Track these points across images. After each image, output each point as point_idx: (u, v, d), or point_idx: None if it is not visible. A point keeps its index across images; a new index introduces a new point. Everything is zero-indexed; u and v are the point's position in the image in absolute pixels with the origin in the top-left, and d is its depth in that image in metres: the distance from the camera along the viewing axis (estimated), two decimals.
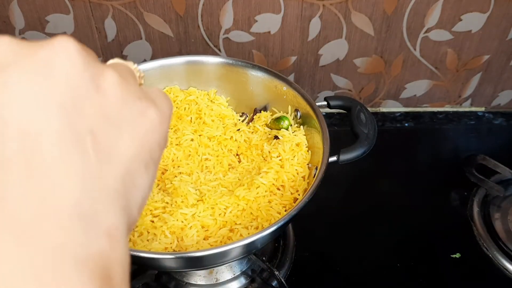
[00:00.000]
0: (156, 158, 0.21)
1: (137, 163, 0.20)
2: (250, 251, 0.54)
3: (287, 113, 0.67)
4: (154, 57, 0.81)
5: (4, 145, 0.17)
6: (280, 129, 0.66)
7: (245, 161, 0.65)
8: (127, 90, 0.20)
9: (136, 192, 0.20)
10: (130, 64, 0.23)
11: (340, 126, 0.88)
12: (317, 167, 0.58)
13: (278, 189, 0.60)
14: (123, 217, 0.19)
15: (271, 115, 0.69)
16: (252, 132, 0.68)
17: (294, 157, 0.62)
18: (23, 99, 0.17)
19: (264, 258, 0.63)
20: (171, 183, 0.60)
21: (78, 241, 0.17)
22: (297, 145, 0.64)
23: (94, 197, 0.18)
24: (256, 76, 0.68)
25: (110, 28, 0.76)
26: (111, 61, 0.23)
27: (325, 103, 0.66)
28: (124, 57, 0.80)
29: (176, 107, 0.69)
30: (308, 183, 0.60)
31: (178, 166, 0.63)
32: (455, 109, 0.93)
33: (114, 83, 0.20)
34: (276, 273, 0.60)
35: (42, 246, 0.16)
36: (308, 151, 0.63)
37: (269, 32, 0.78)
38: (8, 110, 0.17)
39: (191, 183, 0.61)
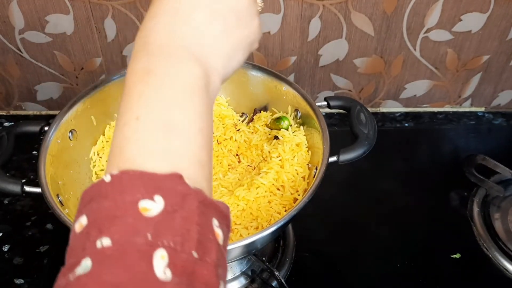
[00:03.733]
0: (249, 50, 0.37)
1: (243, 48, 0.36)
2: (250, 251, 0.54)
3: (287, 113, 0.67)
4: None
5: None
6: (280, 129, 0.66)
7: (245, 161, 0.65)
8: (254, 6, 0.36)
9: (236, 63, 0.37)
10: None
11: (340, 126, 0.88)
12: (317, 167, 0.58)
13: (278, 189, 0.60)
14: (226, 68, 0.36)
15: (271, 115, 0.69)
16: (252, 132, 0.68)
17: (294, 157, 0.62)
18: None
19: (264, 258, 0.63)
20: None
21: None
22: (297, 145, 0.64)
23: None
24: (256, 76, 0.67)
25: (110, 28, 0.76)
26: None
27: (325, 103, 0.66)
28: (124, 57, 0.80)
29: None
30: (308, 183, 0.60)
31: None
32: (455, 109, 0.93)
33: None
34: (276, 273, 0.60)
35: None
36: (308, 151, 0.63)
37: (269, 32, 0.78)
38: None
39: None
